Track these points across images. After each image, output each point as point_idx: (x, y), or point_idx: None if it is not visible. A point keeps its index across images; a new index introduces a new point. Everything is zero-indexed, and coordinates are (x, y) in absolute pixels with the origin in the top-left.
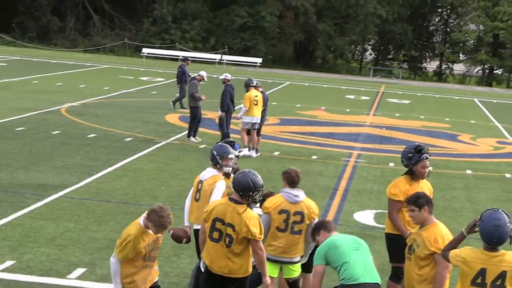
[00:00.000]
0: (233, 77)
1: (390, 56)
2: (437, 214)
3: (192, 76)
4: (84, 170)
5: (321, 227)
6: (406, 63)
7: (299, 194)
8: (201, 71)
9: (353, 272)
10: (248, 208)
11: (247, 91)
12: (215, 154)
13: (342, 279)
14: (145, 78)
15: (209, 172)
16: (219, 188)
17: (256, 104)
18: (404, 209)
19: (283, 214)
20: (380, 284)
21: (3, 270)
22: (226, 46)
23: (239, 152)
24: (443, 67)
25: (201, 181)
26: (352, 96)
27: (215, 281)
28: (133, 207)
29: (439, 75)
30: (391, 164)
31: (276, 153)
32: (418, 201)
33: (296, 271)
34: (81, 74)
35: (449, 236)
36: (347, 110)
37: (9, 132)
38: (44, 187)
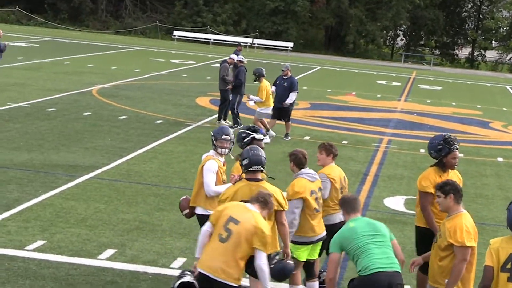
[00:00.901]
0: (264, 61)
1: (422, 42)
2: (468, 201)
3: (223, 59)
4: (114, 152)
5: (341, 206)
6: (437, 50)
7: (314, 172)
8: (232, 54)
9: (369, 262)
10: (268, 183)
11: (258, 81)
12: (212, 134)
13: (359, 271)
14: (176, 61)
15: (206, 153)
16: (207, 169)
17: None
18: (436, 202)
19: (313, 195)
20: (399, 271)
21: (34, 250)
22: (257, 30)
23: (267, 137)
24: (475, 54)
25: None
26: (383, 82)
27: None
28: (163, 189)
29: (471, 62)
30: (422, 150)
31: (307, 137)
32: (444, 187)
33: (318, 249)
34: (113, 56)
35: (469, 229)
36: (378, 95)
37: (40, 113)
38: (75, 168)
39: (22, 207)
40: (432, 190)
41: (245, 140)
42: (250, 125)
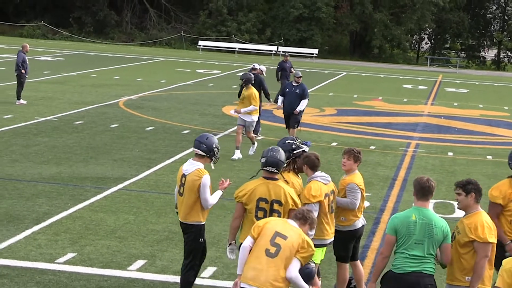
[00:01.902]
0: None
1: (447, 45)
2: None
3: (250, 68)
4: (142, 163)
5: (414, 190)
6: (463, 52)
7: (327, 175)
8: (261, 65)
9: (405, 263)
10: (283, 182)
11: (246, 88)
12: (214, 147)
13: (392, 265)
14: (201, 71)
15: (192, 165)
16: (206, 185)
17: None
18: (506, 214)
19: (327, 198)
20: (427, 273)
21: (65, 262)
22: (282, 38)
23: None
24: (501, 56)
25: (184, 175)
26: (409, 86)
27: None
28: None
29: (497, 64)
30: (450, 154)
31: (334, 143)
32: (467, 186)
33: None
34: (138, 67)
35: (489, 225)
36: (405, 100)
37: (68, 126)
38: (103, 180)
39: (51, 220)
40: (500, 201)
41: (294, 152)
42: (293, 136)
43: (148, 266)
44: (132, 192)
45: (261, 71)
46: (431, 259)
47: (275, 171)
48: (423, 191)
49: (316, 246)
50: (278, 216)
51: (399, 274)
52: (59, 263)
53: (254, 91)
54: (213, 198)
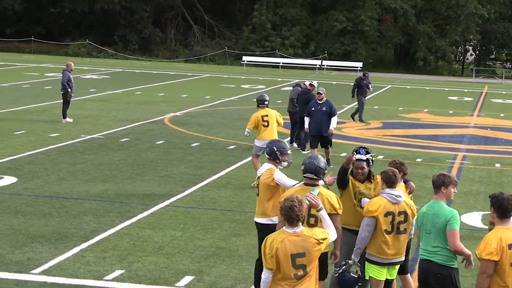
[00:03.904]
0: (333, 82)
1: (492, 56)
2: None
3: (296, 82)
4: (188, 179)
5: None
6: (509, 63)
7: (401, 194)
8: (307, 80)
9: (420, 251)
10: (323, 187)
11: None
12: (275, 149)
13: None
14: (246, 86)
15: (264, 167)
16: (280, 177)
17: (266, 126)
18: None
19: (389, 217)
20: (437, 262)
21: (113, 279)
22: (326, 52)
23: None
24: None
25: (258, 177)
26: (455, 98)
27: None
28: (239, 214)
29: None
30: (497, 165)
31: (380, 156)
32: (491, 199)
33: (395, 271)
34: (183, 84)
35: (491, 242)
36: (451, 111)
37: (114, 144)
38: (150, 197)
39: (99, 238)
40: None
41: None
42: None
43: (196, 282)
44: (178, 208)
45: (313, 86)
46: (443, 250)
47: (314, 177)
48: (434, 184)
49: (371, 262)
50: (315, 221)
51: (419, 260)
52: (107, 280)
53: (254, 113)
54: (292, 181)
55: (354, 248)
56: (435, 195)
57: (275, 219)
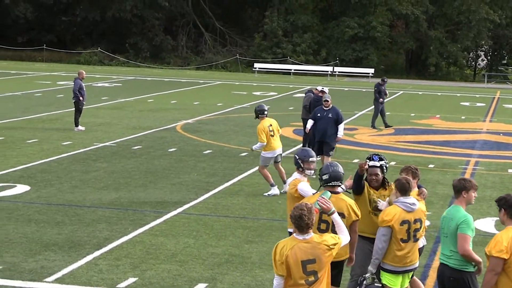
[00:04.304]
0: (345, 89)
1: (504, 61)
2: None
3: (309, 88)
4: (201, 186)
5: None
6: None
7: (415, 201)
8: (318, 86)
9: (440, 255)
10: (344, 194)
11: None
12: (297, 158)
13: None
14: (258, 93)
15: (292, 177)
16: (301, 189)
17: (273, 135)
18: None
19: (404, 225)
20: (451, 266)
21: (126, 287)
22: (337, 58)
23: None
24: None
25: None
26: (467, 103)
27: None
28: (251, 221)
29: None
30: (510, 171)
31: (393, 163)
32: (499, 202)
33: (409, 278)
34: (195, 91)
35: (502, 240)
36: (463, 117)
37: (126, 151)
38: (162, 204)
39: (112, 246)
40: None
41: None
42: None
43: None
44: (191, 215)
45: (324, 92)
46: (456, 254)
47: (339, 184)
48: (455, 189)
49: (386, 270)
50: (326, 227)
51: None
52: None
53: (259, 125)
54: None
55: (372, 259)
56: (456, 199)
57: None
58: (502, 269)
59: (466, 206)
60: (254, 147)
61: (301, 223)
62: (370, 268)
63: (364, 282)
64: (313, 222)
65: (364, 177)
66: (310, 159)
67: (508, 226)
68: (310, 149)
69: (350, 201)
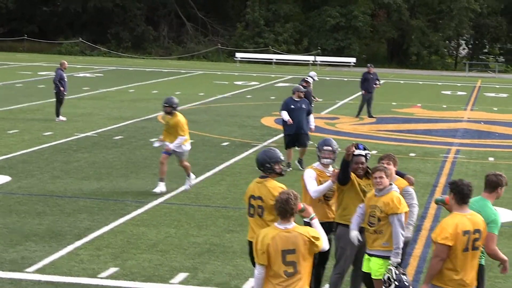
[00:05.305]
0: (327, 78)
1: (486, 50)
2: None
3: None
4: (182, 176)
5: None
6: (502, 57)
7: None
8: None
9: None
10: (271, 180)
11: (169, 114)
12: (316, 146)
13: None
14: (239, 83)
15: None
16: (305, 178)
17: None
18: None
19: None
20: None
21: (107, 277)
22: (319, 47)
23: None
24: None
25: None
26: (448, 92)
27: None
28: (233, 210)
29: None
30: (491, 159)
31: (374, 151)
32: (450, 185)
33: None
34: (176, 81)
35: (447, 227)
36: (444, 106)
37: (108, 141)
38: (144, 194)
39: (93, 236)
40: None
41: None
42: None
43: (190, 279)
44: (172, 205)
45: (308, 82)
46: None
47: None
48: (491, 184)
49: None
50: (261, 212)
51: None
52: (101, 278)
53: (181, 118)
54: (318, 187)
55: (395, 251)
56: (487, 193)
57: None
58: (447, 255)
59: (493, 202)
60: (174, 145)
61: (286, 208)
62: (394, 259)
63: (394, 275)
64: (296, 211)
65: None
66: (324, 148)
67: (454, 212)
68: (331, 139)
69: (272, 184)
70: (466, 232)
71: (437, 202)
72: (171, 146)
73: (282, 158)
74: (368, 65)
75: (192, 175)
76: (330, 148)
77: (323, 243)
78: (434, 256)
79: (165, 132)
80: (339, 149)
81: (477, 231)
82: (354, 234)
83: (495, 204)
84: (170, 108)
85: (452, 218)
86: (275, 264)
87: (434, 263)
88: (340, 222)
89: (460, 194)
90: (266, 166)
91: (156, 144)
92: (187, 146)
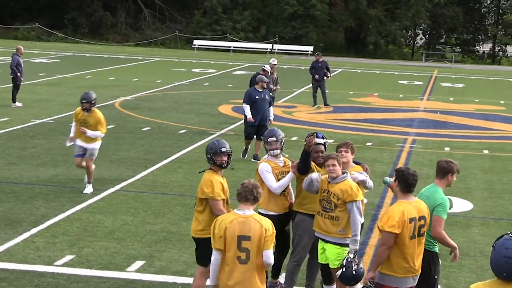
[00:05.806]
0: (285, 66)
1: (442, 40)
2: (495, 197)
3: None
4: (139, 163)
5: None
6: (458, 47)
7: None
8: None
9: None
10: (209, 172)
11: (87, 111)
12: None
13: None
14: (197, 70)
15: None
16: (261, 172)
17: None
18: None
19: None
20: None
21: (63, 265)
22: (277, 36)
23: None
24: (496, 50)
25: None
26: (405, 82)
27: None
28: (189, 199)
29: (493, 58)
30: (447, 149)
31: (331, 140)
32: (397, 173)
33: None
34: (134, 68)
35: (395, 215)
36: (401, 95)
37: (64, 128)
38: (100, 181)
39: (49, 223)
40: None
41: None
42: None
43: (147, 267)
44: (129, 193)
45: (266, 71)
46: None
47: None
48: (442, 170)
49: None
50: (195, 204)
51: None
52: (57, 266)
53: (101, 115)
54: (280, 182)
55: (353, 238)
56: (438, 180)
57: (262, 210)
58: (394, 243)
59: (445, 188)
60: (93, 133)
61: (248, 196)
62: (352, 247)
63: (351, 263)
64: (258, 200)
65: None
66: (269, 139)
67: (399, 200)
68: (275, 129)
69: (206, 176)
70: (412, 219)
71: (384, 182)
72: (89, 133)
73: (226, 150)
74: (316, 53)
75: (90, 189)
76: (274, 138)
77: (272, 244)
78: (381, 244)
79: (78, 130)
80: (284, 137)
81: (422, 217)
82: (316, 174)
83: (449, 193)
84: (88, 104)
85: (398, 206)
86: (231, 250)
87: (381, 251)
88: (299, 210)
89: (404, 183)
90: (207, 156)
91: (68, 143)
92: (98, 144)
